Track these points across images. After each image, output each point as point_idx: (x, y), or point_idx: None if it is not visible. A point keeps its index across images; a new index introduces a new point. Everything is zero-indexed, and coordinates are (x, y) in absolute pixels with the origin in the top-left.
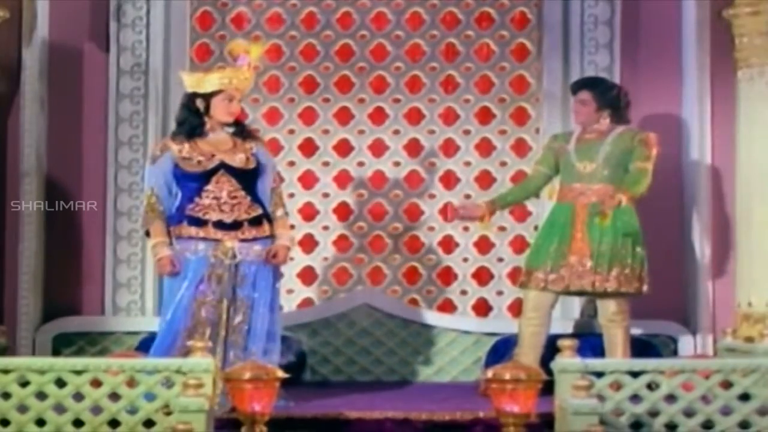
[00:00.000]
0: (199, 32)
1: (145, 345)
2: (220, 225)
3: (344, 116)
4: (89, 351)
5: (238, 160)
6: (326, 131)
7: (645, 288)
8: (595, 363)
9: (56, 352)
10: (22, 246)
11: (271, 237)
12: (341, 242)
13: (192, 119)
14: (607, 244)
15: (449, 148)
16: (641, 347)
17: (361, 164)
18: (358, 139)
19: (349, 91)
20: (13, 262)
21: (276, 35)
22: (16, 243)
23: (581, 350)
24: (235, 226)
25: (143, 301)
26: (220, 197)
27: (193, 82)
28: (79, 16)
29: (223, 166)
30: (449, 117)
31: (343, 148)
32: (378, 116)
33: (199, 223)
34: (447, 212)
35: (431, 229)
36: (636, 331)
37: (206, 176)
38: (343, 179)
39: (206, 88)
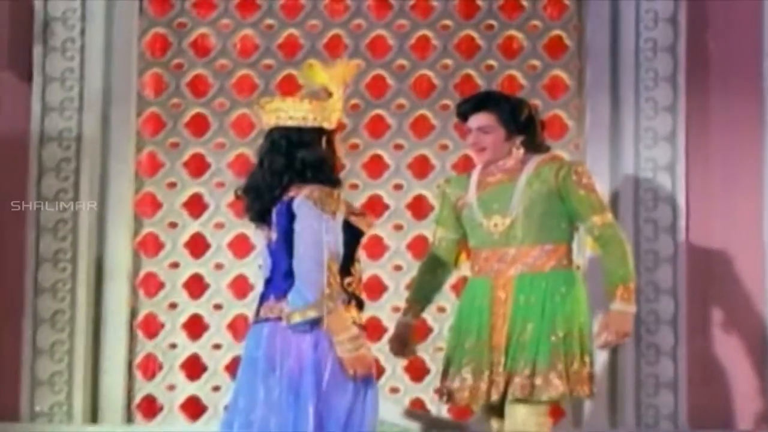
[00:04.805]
0: (149, 59)
1: None
2: (361, 305)
3: None
4: None
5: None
6: None
7: (594, 389)
8: None
9: None
10: None
11: None
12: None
13: (330, 162)
14: (532, 332)
15: None
16: None
17: None
18: None
19: None
20: None
21: (247, 64)
22: None
23: None
24: None
25: (70, 404)
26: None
27: (320, 112)
28: None
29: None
30: (466, 166)
31: None
32: (375, 167)
33: (360, 304)
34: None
35: None
36: None
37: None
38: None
39: (332, 121)
